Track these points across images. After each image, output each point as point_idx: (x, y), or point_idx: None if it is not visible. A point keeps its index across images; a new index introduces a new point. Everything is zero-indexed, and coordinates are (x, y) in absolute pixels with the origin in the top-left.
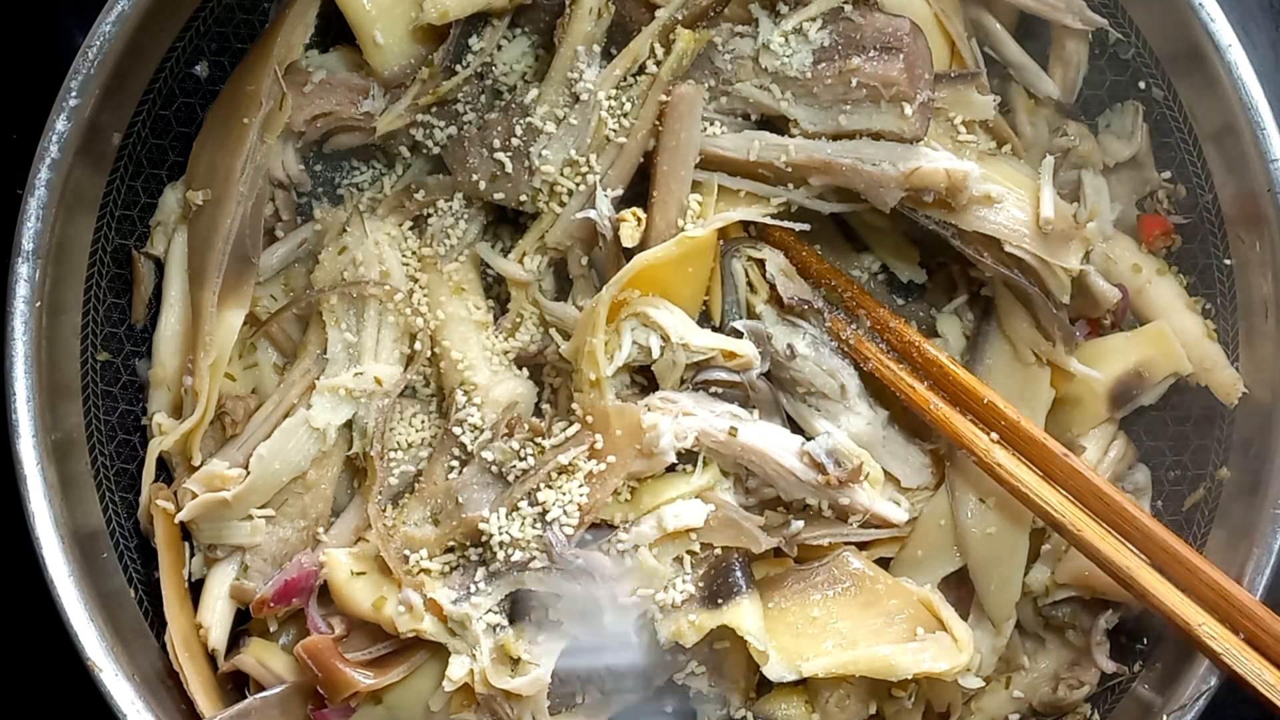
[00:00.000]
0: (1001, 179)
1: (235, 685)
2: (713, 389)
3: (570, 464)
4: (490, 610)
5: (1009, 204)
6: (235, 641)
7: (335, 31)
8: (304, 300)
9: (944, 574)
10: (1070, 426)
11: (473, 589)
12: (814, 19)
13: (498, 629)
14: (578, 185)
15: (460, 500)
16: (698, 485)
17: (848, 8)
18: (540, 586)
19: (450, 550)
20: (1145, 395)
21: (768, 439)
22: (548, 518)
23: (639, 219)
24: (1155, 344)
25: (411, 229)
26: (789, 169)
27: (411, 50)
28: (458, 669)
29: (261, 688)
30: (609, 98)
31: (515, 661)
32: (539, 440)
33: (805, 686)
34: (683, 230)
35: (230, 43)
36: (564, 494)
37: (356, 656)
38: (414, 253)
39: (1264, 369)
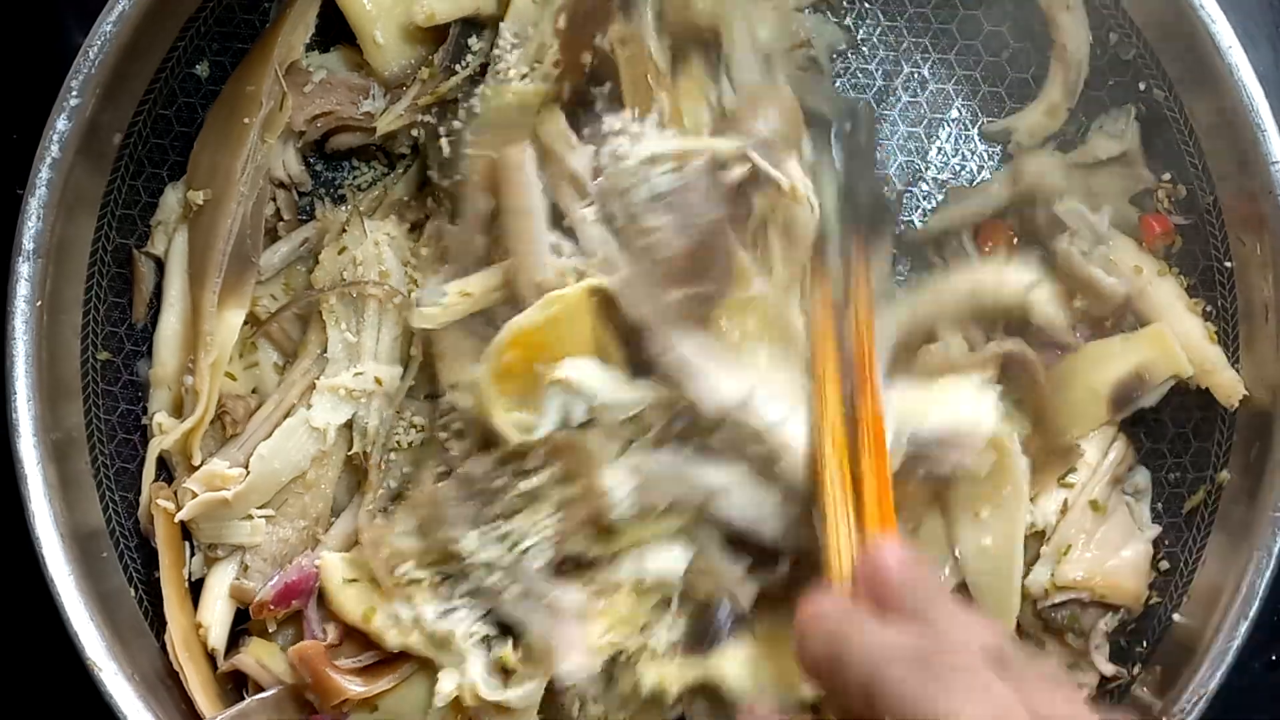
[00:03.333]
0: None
1: (235, 685)
2: (683, 445)
3: (538, 489)
4: (476, 623)
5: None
6: (235, 641)
7: (335, 31)
8: (303, 300)
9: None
10: (1069, 429)
11: (454, 605)
12: (674, 160)
13: (490, 640)
14: None
15: (439, 515)
16: (674, 525)
17: (701, 169)
18: (513, 615)
19: (434, 564)
20: (1145, 397)
21: (743, 503)
22: (522, 545)
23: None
24: (1155, 346)
25: (410, 232)
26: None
27: (412, 50)
28: (447, 684)
29: (260, 688)
30: (521, 76)
31: (510, 672)
32: (511, 461)
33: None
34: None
35: (231, 42)
36: (535, 521)
37: (347, 664)
38: (413, 253)
39: (1264, 372)
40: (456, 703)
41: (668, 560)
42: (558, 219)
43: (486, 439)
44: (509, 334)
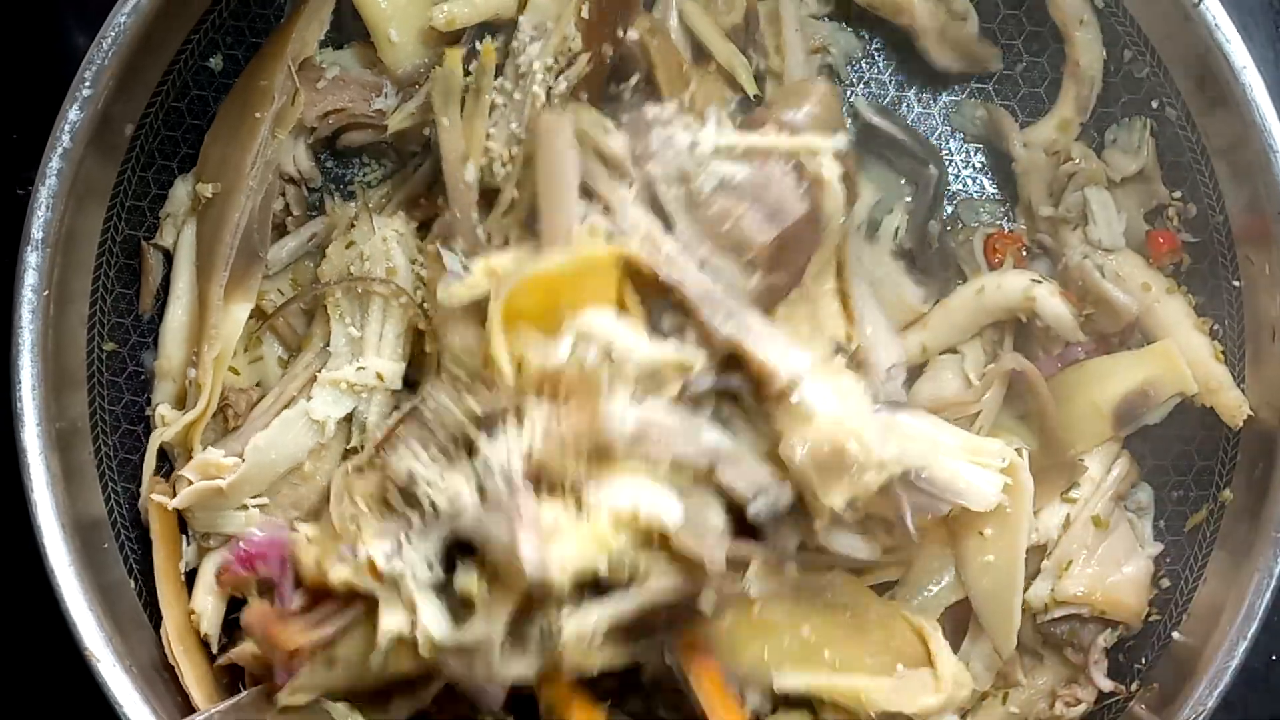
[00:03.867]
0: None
1: (232, 679)
2: (700, 409)
3: (520, 409)
4: (425, 563)
5: (816, 423)
6: (235, 636)
7: (350, 28)
8: (309, 294)
9: (947, 604)
10: (1073, 444)
11: (404, 542)
12: (747, 151)
13: (445, 585)
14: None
15: (393, 443)
16: (674, 478)
17: (778, 164)
18: (476, 532)
19: (385, 504)
20: (1150, 414)
21: (749, 479)
22: (490, 461)
23: (496, 273)
24: (1162, 363)
25: (419, 230)
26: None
27: (425, 50)
28: (390, 622)
29: (257, 681)
30: (546, 69)
31: (469, 607)
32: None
33: (809, 708)
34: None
35: (245, 36)
36: (508, 438)
37: (300, 621)
38: (420, 250)
39: (1269, 391)
40: (402, 647)
41: (665, 507)
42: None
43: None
44: (531, 274)
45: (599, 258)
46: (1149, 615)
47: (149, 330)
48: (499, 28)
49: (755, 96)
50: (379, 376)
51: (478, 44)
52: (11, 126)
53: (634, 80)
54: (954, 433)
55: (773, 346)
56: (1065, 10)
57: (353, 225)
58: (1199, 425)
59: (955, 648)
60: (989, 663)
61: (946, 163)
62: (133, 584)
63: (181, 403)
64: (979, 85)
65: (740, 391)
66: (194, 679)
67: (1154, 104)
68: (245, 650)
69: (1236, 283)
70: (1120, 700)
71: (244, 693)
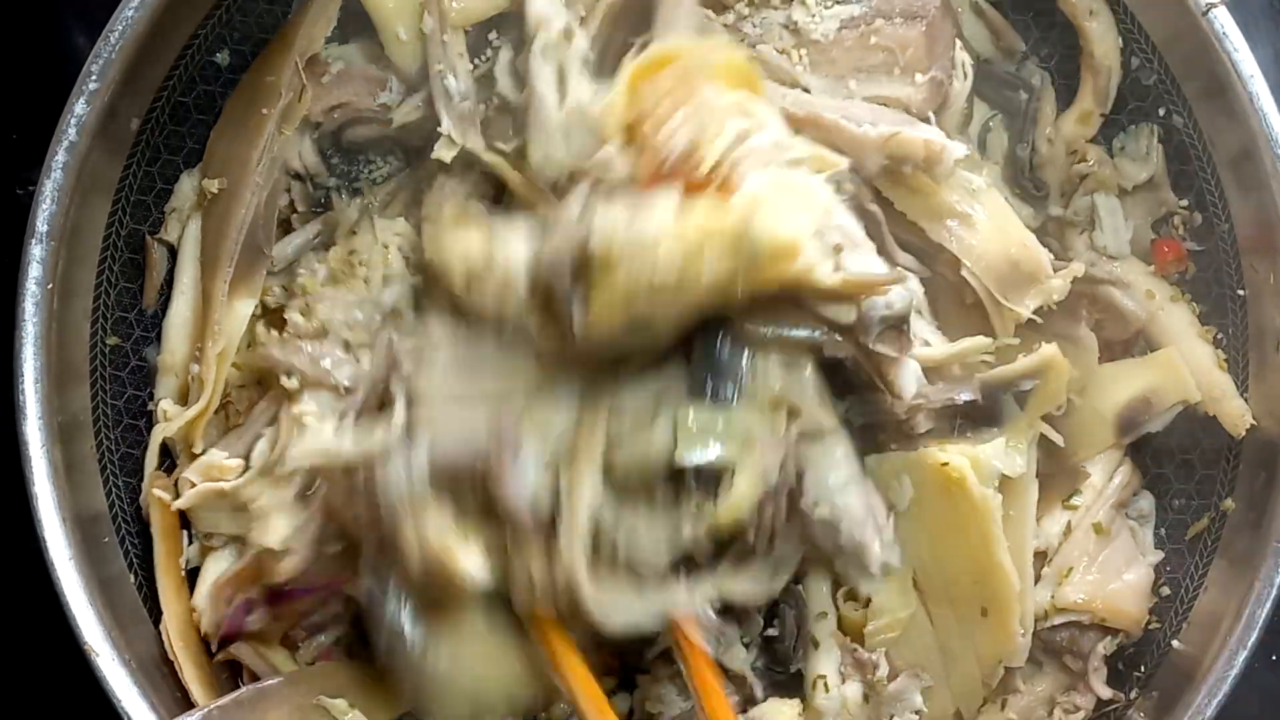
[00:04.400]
0: (991, 207)
1: (231, 674)
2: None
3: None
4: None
5: (982, 229)
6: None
7: (356, 25)
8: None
9: None
10: (1076, 451)
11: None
12: None
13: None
14: None
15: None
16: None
17: None
18: None
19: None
20: (1152, 422)
21: (866, 266)
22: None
23: None
24: (1165, 371)
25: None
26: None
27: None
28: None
29: (256, 677)
30: None
31: None
32: None
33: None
34: None
35: (253, 32)
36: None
37: None
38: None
39: (1272, 401)
40: None
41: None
42: None
43: None
44: (671, 47)
45: (736, 61)
46: (1149, 623)
47: (152, 325)
48: (514, 17)
49: None
50: None
51: (489, 37)
52: (11, 126)
53: None
54: None
55: (936, 131)
56: (1074, 2)
57: (354, 232)
58: (1201, 434)
59: None
60: None
61: None
62: (132, 578)
63: (184, 398)
64: None
65: (874, 218)
66: (193, 675)
67: (1161, 111)
68: (244, 646)
69: (1241, 291)
70: (1119, 708)
71: (244, 689)
